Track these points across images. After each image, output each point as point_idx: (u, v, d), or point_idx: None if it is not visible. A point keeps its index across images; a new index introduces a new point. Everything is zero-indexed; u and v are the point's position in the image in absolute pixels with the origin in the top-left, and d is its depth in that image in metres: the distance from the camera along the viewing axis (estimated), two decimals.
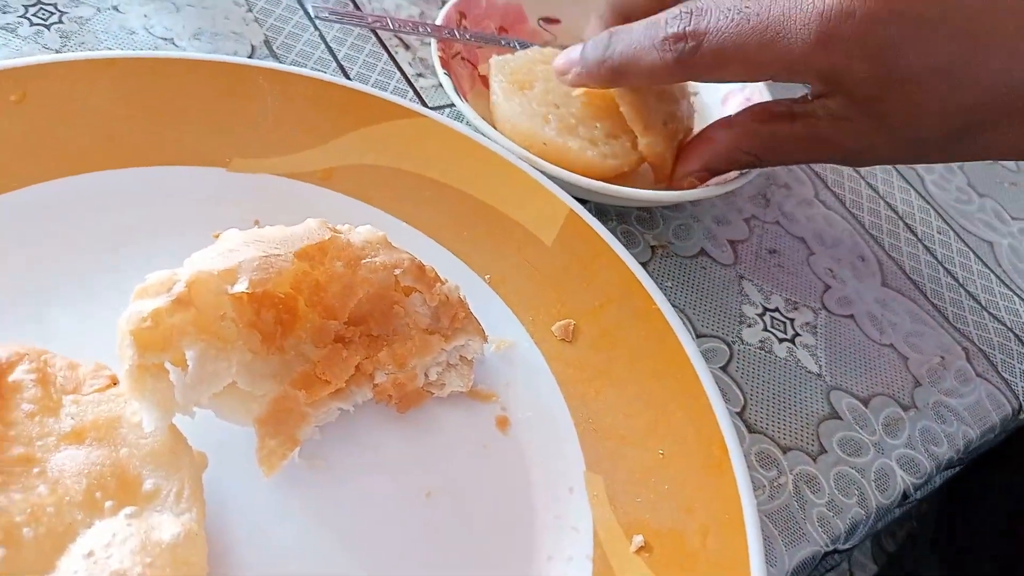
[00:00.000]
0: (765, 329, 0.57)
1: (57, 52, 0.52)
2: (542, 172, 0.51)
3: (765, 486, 0.48)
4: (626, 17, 0.54)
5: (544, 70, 0.57)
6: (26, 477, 0.30)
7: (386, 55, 0.64)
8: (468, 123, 0.54)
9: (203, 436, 0.35)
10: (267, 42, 0.60)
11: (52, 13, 0.55)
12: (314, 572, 0.37)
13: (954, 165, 0.81)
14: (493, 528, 0.40)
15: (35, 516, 0.29)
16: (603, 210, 0.59)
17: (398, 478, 0.40)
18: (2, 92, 0.43)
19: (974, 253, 0.71)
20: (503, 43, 0.64)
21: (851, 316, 0.60)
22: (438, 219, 0.50)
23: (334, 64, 0.61)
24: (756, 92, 0.64)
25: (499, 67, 0.57)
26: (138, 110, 0.47)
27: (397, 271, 0.40)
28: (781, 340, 0.56)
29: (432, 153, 0.51)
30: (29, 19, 0.54)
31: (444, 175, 0.51)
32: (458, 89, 0.55)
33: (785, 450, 0.50)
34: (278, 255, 0.36)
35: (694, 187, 0.56)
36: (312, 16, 0.63)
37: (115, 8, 0.57)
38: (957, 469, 0.57)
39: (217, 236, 0.39)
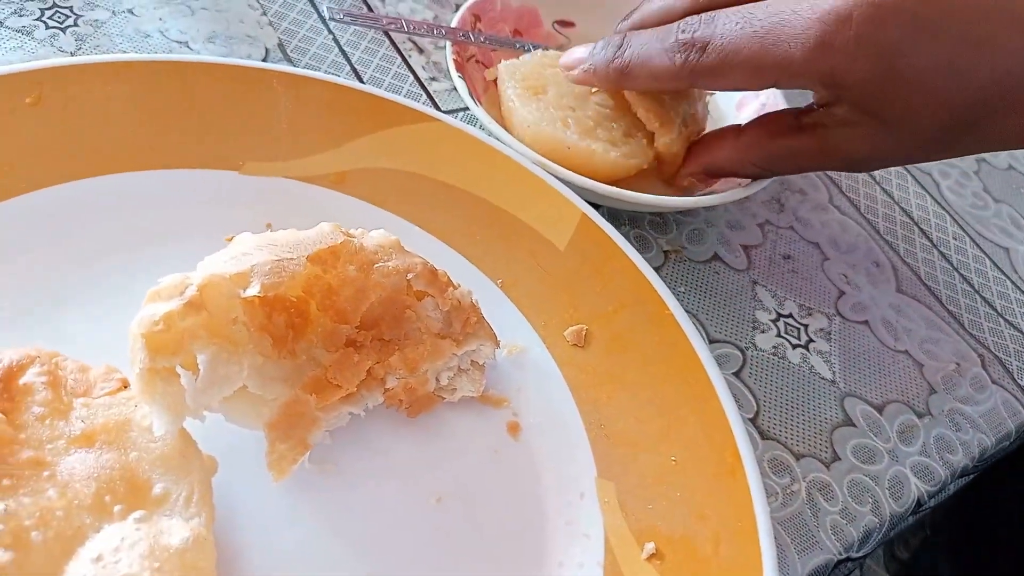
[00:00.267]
0: (779, 335, 0.56)
1: (72, 55, 0.53)
2: (556, 176, 0.51)
3: (778, 493, 0.47)
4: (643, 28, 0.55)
5: (553, 74, 0.57)
6: (35, 480, 0.30)
7: (400, 59, 0.64)
8: (482, 127, 0.54)
9: (213, 440, 0.35)
10: (281, 45, 0.60)
11: (68, 16, 0.55)
12: None
13: (970, 171, 0.80)
14: (504, 534, 0.40)
15: (44, 520, 0.29)
16: (616, 214, 0.58)
17: (408, 483, 0.40)
18: (17, 95, 0.43)
19: (990, 259, 0.71)
20: (517, 46, 0.63)
21: (866, 322, 0.60)
22: (451, 223, 0.50)
23: (348, 68, 0.61)
24: (771, 99, 0.64)
25: (509, 72, 0.57)
26: (152, 113, 0.47)
27: (409, 275, 0.40)
28: (795, 346, 0.56)
29: (445, 157, 0.51)
30: (45, 22, 0.54)
31: (457, 179, 0.51)
32: (472, 93, 0.55)
33: (798, 457, 0.50)
34: (290, 259, 0.36)
35: (694, 187, 0.56)
36: (326, 19, 0.63)
37: (130, 11, 0.57)
38: (972, 477, 0.57)
39: (230, 239, 0.39)
